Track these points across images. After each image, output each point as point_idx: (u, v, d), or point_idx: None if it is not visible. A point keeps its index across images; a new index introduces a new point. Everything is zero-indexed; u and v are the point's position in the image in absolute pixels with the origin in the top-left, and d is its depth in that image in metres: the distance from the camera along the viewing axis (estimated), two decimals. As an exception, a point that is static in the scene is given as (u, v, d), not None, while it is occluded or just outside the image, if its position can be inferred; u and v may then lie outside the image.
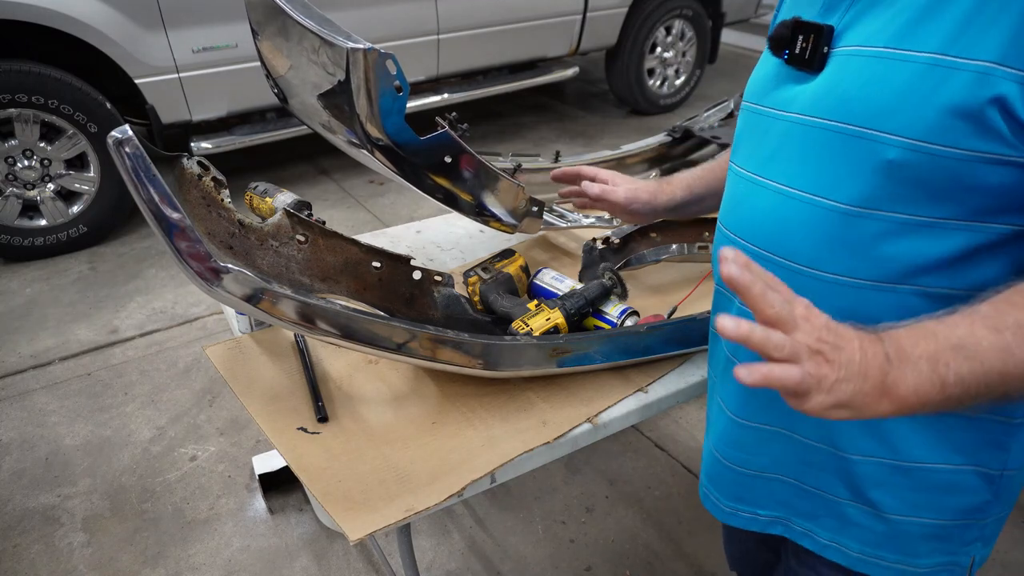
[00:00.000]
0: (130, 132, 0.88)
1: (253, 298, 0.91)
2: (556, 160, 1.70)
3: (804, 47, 0.71)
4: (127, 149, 0.87)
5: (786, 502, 0.86)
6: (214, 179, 1.06)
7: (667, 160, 2.00)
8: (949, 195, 0.63)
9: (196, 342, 2.53)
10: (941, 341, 0.55)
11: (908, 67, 0.62)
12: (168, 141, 3.02)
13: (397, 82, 1.05)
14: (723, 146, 1.97)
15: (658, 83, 4.50)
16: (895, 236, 0.66)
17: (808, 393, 0.53)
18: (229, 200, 1.06)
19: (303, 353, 1.16)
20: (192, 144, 3.10)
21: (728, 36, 5.36)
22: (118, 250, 3.11)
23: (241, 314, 1.23)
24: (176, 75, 2.89)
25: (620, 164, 1.87)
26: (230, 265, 0.88)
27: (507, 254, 1.32)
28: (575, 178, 1.24)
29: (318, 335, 0.95)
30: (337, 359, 1.17)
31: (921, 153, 0.61)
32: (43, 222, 2.96)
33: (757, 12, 4.73)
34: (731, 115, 2.15)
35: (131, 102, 3.01)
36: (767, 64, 0.80)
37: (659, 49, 4.36)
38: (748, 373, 0.51)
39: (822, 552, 0.84)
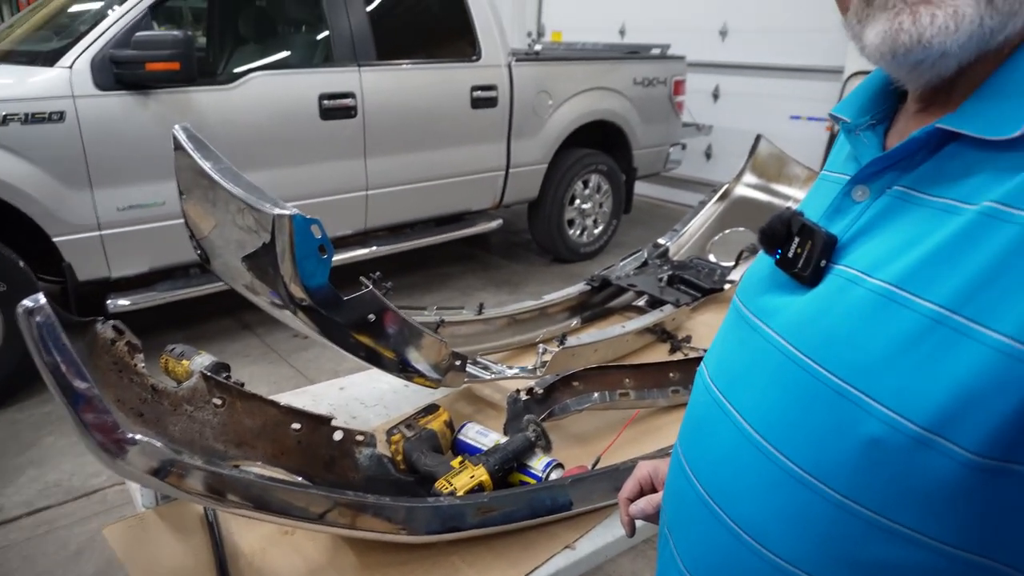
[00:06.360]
0: (43, 300, 0.87)
1: (160, 471, 0.87)
2: (480, 312, 1.74)
3: (799, 253, 0.56)
4: (37, 318, 0.85)
5: None
6: (128, 344, 1.04)
7: (588, 308, 2.08)
8: (935, 505, 0.46)
9: (93, 518, 2.31)
10: None
11: (911, 318, 0.47)
12: (83, 297, 2.94)
13: (322, 244, 1.08)
14: (639, 293, 2.08)
15: (578, 232, 4.76)
16: (868, 540, 0.49)
17: None
18: (143, 365, 1.04)
19: (212, 528, 1.09)
20: (109, 301, 3.01)
21: (641, 188, 5.78)
22: (13, 416, 2.89)
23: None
24: (98, 232, 2.86)
25: (543, 313, 1.93)
26: (137, 436, 0.85)
27: (431, 409, 1.31)
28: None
29: (230, 508, 0.90)
30: (250, 531, 1.10)
31: (907, 437, 0.45)
32: (-66, 385, 2.76)
33: (666, 167, 5.16)
34: (645, 264, 2.29)
35: (45, 258, 2.93)
36: (765, 259, 0.63)
37: (578, 201, 4.65)
38: None
39: None
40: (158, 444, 0.86)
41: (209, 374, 1.05)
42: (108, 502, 2.41)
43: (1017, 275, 0.43)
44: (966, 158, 0.50)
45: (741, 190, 2.54)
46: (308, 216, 1.04)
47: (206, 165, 1.14)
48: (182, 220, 1.29)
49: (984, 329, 0.43)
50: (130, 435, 0.85)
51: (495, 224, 4.29)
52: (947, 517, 0.45)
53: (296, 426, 1.09)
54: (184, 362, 1.25)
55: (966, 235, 0.46)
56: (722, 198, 2.52)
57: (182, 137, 1.19)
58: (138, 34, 2.71)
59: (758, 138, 2.58)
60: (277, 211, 1.03)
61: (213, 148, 1.18)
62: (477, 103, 3.84)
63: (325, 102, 3.26)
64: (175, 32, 2.77)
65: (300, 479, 1.06)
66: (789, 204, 2.45)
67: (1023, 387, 0.41)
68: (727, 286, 2.13)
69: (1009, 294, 0.43)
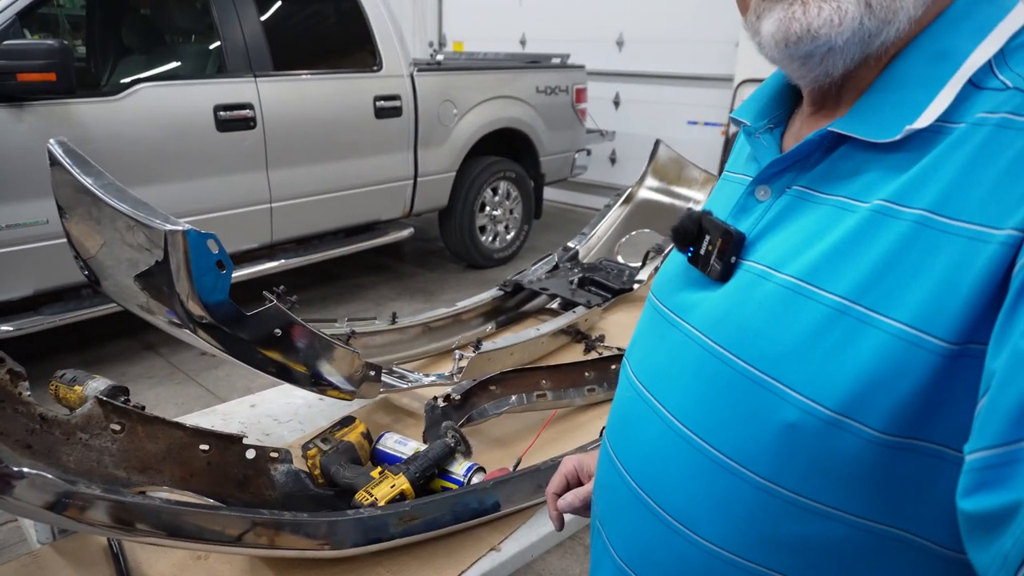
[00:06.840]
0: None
1: (56, 505, 0.81)
2: (393, 322, 1.72)
3: (710, 250, 0.59)
4: (-99, 350, 0.78)
5: None
6: (10, 371, 0.97)
7: (502, 313, 2.09)
8: (847, 482, 0.49)
9: (-18, 560, 2.14)
10: None
11: (818, 309, 0.50)
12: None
13: (220, 259, 1.04)
14: (552, 296, 2.11)
15: (490, 239, 4.78)
16: (788, 518, 0.52)
17: None
18: (29, 393, 0.96)
19: (118, 560, 1.03)
20: (-12, 328, 2.79)
21: (550, 193, 5.88)
22: None
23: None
24: (-29, 256, 2.65)
25: (457, 320, 1.93)
26: (25, 469, 0.79)
27: (347, 421, 1.28)
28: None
29: (138, 537, 0.85)
30: (159, 559, 1.04)
31: (821, 420, 0.48)
32: None
33: (573, 172, 5.27)
34: (556, 267, 2.33)
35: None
36: (677, 256, 0.66)
37: (488, 208, 4.68)
38: None
39: None
40: (49, 476, 0.81)
41: (105, 399, 0.99)
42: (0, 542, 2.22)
43: (909, 266, 0.47)
44: (856, 159, 0.54)
45: (644, 193, 2.63)
46: (203, 231, 1.00)
47: (87, 181, 1.07)
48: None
49: (883, 317, 0.47)
50: (16, 469, 0.79)
51: (406, 233, 4.25)
52: (859, 492, 0.49)
53: (204, 447, 1.04)
54: (77, 388, 1.17)
55: (861, 231, 0.50)
56: (626, 201, 2.61)
57: (58, 152, 1.11)
58: (6, 43, 2.53)
59: (657, 143, 2.68)
60: (169, 227, 0.99)
61: (94, 163, 1.12)
62: (381, 113, 3.80)
63: (221, 113, 3.15)
64: (49, 41, 2.60)
65: (212, 501, 1.02)
66: (689, 205, 2.56)
67: (920, 369, 0.45)
68: (636, 286, 2.20)
69: (903, 284, 0.46)
